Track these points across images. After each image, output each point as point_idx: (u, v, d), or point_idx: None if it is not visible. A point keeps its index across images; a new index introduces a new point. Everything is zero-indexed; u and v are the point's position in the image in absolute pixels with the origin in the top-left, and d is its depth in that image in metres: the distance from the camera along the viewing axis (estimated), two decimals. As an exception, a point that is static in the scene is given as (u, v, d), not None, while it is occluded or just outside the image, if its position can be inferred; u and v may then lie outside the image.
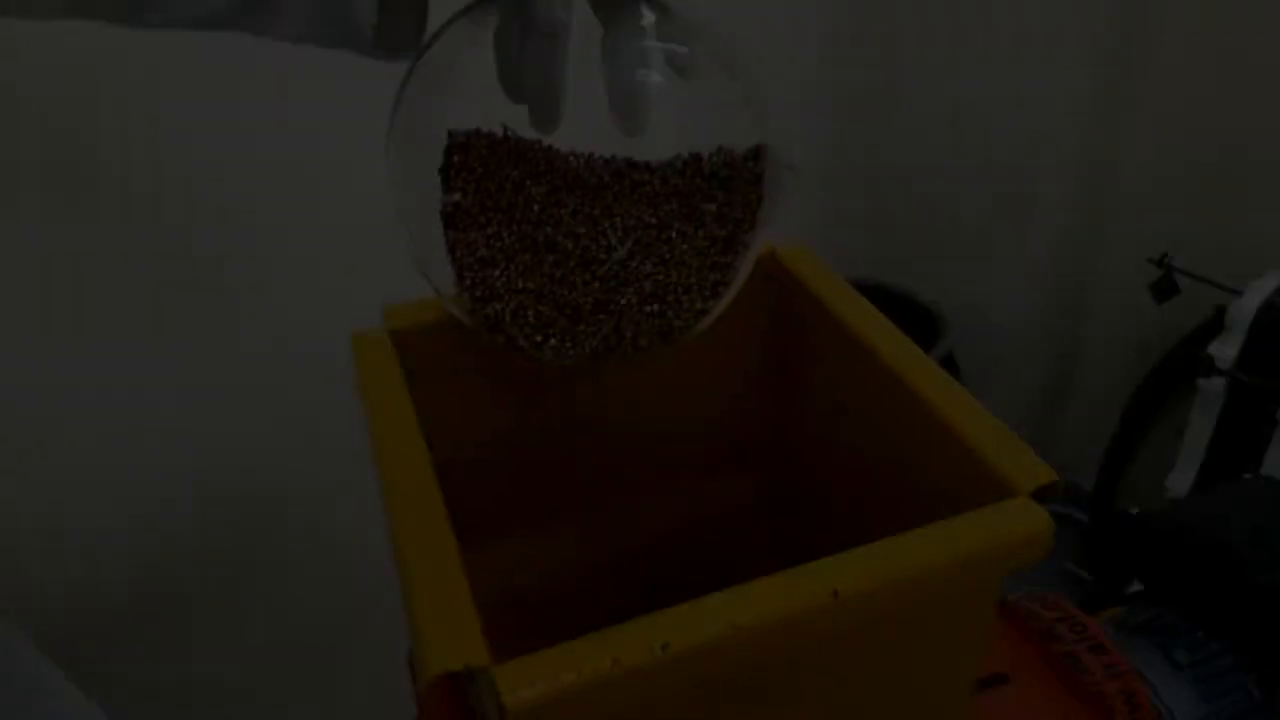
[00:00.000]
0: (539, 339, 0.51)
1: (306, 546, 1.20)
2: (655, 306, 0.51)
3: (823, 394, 0.61)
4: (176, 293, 0.98)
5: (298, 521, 1.18)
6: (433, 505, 0.45)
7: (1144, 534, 0.89)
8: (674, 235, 0.52)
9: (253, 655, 1.22)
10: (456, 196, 0.52)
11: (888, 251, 1.63)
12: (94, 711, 0.78)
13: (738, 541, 0.72)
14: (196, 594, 1.13)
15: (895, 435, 0.53)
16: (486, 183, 0.53)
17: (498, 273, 0.52)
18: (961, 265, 1.59)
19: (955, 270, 1.59)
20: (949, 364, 1.50)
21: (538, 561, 0.68)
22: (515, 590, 0.68)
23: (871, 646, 0.44)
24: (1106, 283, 1.62)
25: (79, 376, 0.94)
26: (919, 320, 1.50)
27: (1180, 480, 1.47)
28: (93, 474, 0.99)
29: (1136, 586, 1.27)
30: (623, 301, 0.51)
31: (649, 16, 0.49)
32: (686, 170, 0.54)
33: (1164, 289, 1.46)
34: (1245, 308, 1.33)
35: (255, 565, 1.17)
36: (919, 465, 0.51)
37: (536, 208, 0.53)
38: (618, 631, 0.39)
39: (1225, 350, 1.36)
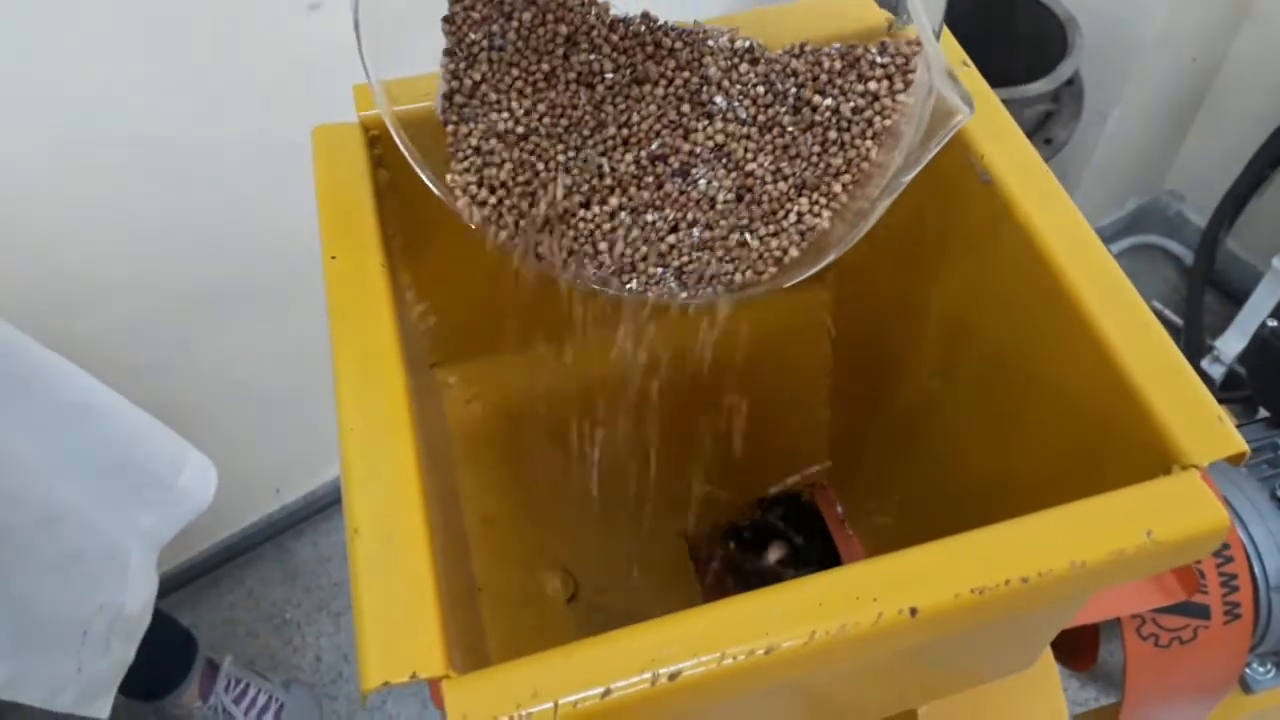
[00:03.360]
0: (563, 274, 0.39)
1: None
2: (717, 255, 0.37)
3: (943, 233, 0.47)
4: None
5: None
6: (397, 442, 0.33)
7: (1272, 352, 0.76)
8: (763, 152, 0.37)
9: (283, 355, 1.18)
10: (472, 78, 0.37)
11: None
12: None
13: (796, 367, 0.60)
14: (236, 292, 1.08)
15: (1033, 329, 0.40)
16: (509, 46, 0.37)
17: (508, 196, 0.38)
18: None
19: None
20: (1073, 81, 1.28)
21: (548, 371, 0.57)
22: (530, 396, 0.58)
23: (944, 651, 0.34)
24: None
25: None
26: (1046, 28, 1.27)
27: (1309, 236, 1.30)
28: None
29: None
30: (670, 241, 0.37)
31: None
32: (798, 57, 0.38)
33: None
34: None
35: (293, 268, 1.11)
36: (1057, 377, 0.38)
37: (577, 91, 0.38)
38: (612, 646, 0.29)
39: None
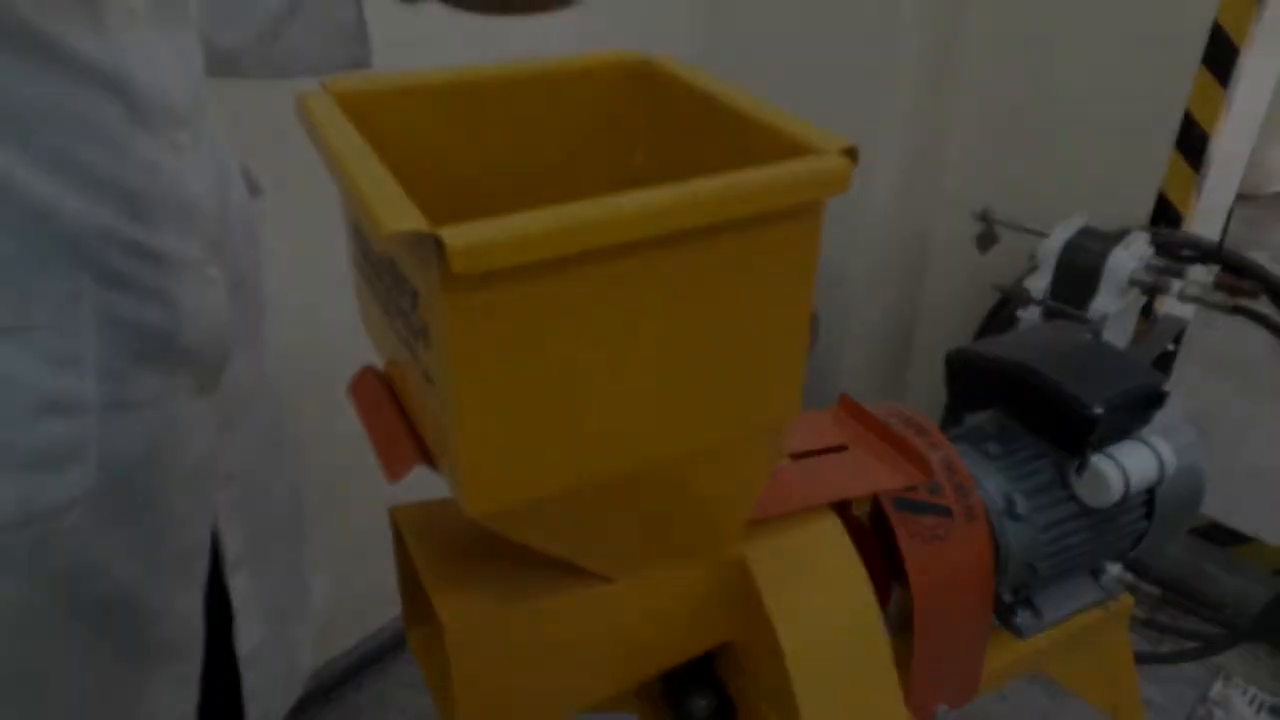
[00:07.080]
0: None
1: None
2: None
3: (695, 142, 0.76)
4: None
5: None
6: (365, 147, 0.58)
7: (962, 361, 1.07)
8: None
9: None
10: None
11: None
12: None
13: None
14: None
15: (737, 149, 0.68)
16: None
17: None
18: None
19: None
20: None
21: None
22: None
23: (722, 245, 0.59)
24: (944, 243, 1.85)
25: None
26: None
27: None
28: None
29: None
30: None
31: None
32: None
33: (986, 240, 1.68)
34: (1052, 246, 1.56)
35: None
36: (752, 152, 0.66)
37: None
38: (545, 210, 0.53)
39: (1038, 283, 1.57)
